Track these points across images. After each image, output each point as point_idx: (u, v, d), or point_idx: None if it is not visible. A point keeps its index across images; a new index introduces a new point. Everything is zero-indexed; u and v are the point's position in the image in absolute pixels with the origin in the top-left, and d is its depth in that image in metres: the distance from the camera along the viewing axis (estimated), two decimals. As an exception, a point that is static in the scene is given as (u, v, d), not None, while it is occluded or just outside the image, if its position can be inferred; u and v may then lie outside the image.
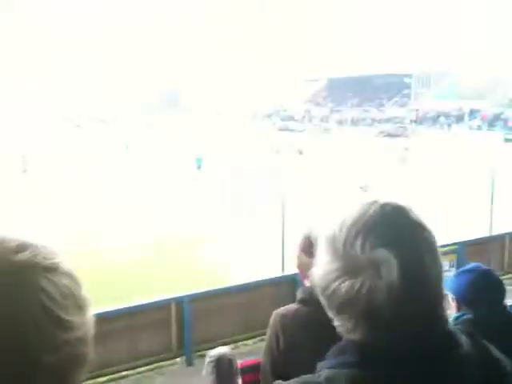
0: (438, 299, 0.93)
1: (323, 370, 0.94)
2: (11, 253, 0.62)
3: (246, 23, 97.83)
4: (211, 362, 3.61)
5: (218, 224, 14.70)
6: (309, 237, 2.23)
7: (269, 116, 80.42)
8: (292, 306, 2.33)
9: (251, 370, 3.88)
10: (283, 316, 2.30)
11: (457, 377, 0.91)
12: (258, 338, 7.07)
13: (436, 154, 26.14)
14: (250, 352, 5.79)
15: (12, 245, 0.63)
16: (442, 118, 56.07)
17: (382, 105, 70.40)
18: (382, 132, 58.24)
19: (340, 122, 66.92)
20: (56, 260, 0.66)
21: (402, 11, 76.13)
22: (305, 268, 2.19)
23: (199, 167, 26.48)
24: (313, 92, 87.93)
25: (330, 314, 0.95)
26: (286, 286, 7.36)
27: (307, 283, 2.25)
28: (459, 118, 56.50)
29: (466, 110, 57.32)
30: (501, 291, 2.48)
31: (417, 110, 63.03)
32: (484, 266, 2.60)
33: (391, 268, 0.87)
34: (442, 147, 34.57)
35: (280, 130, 68.72)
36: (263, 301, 7.29)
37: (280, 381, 0.97)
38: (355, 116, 67.51)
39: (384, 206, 0.95)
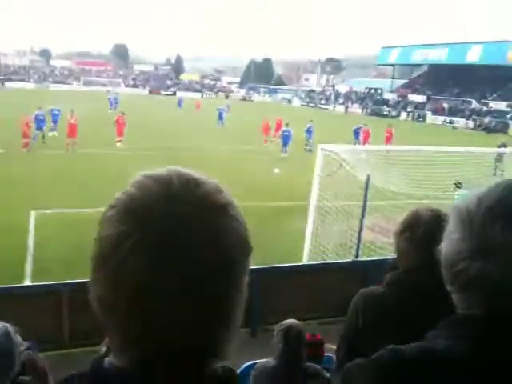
0: None
1: (438, 339, 0.95)
2: (213, 194, 0.76)
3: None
4: (281, 331, 3.72)
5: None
6: (408, 223, 2.19)
7: (362, 99, 78.88)
8: (378, 288, 2.31)
9: (312, 346, 3.97)
10: (367, 296, 2.30)
11: None
12: (324, 320, 7.11)
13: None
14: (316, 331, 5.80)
15: (215, 188, 0.77)
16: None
17: (484, 97, 66.72)
18: (479, 125, 55.46)
19: (435, 111, 64.39)
20: (233, 200, 0.79)
21: None
22: (401, 253, 2.21)
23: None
24: (411, 78, 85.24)
25: (450, 288, 0.97)
26: (357, 271, 7.31)
27: (400, 268, 2.23)
28: None
29: None
30: None
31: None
32: None
33: None
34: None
35: (370, 114, 67.51)
36: (333, 284, 7.30)
37: (393, 348, 0.98)
38: (452, 106, 64.60)
39: None
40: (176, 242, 0.69)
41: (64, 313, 6.09)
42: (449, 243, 0.96)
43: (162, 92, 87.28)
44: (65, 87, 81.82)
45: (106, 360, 0.77)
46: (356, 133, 28.49)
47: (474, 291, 0.92)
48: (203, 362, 0.74)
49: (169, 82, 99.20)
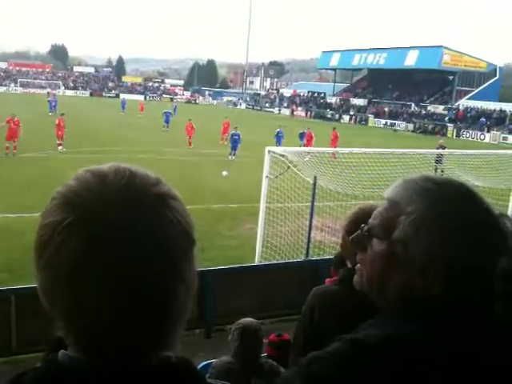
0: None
1: (394, 323, 0.97)
2: (152, 185, 0.77)
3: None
4: (237, 328, 3.73)
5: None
6: (355, 218, 2.22)
7: (306, 103, 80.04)
8: (331, 286, 2.38)
9: (278, 347, 4.03)
10: (322, 294, 2.36)
11: None
12: (276, 319, 7.20)
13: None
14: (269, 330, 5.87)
15: (151, 179, 0.78)
16: (482, 119, 54.83)
17: (422, 100, 69.20)
18: (419, 128, 57.46)
19: (377, 114, 66.20)
20: (176, 192, 0.80)
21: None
22: (348, 249, 2.22)
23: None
24: (353, 82, 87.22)
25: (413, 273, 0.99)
26: (309, 270, 7.45)
27: (349, 264, 2.28)
28: (500, 121, 55.22)
29: (508, 112, 56.08)
30: None
31: (457, 108, 61.86)
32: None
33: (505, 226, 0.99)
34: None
35: (315, 117, 68.64)
36: (284, 283, 7.41)
37: (353, 336, 0.98)
38: (393, 109, 66.62)
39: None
40: (112, 231, 0.71)
41: (12, 319, 5.90)
42: (421, 238, 0.99)
43: (104, 94, 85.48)
44: (0, 89, 78.69)
45: (60, 352, 0.77)
46: (301, 136, 29.19)
47: (440, 276, 0.97)
48: (146, 351, 0.75)
49: (110, 84, 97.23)
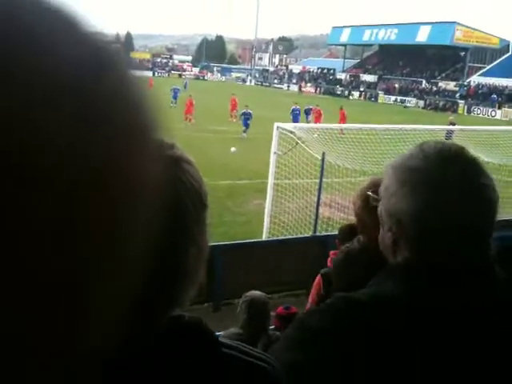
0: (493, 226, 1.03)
1: (384, 285, 1.02)
2: (166, 148, 0.77)
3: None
4: (245, 301, 3.78)
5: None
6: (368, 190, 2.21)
7: (315, 79, 79.35)
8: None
9: (286, 319, 4.07)
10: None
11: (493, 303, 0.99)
12: (284, 293, 7.27)
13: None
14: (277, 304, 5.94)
15: (166, 142, 0.77)
16: (493, 96, 54.17)
17: (433, 77, 68.36)
18: (430, 105, 56.91)
19: (387, 91, 65.57)
20: (190, 157, 0.82)
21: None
22: (362, 223, 2.23)
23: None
24: (363, 58, 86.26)
25: (400, 239, 1.03)
26: (317, 245, 7.48)
27: (362, 238, 2.28)
28: (511, 97, 54.51)
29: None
30: None
31: (468, 84, 61.10)
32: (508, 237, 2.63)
33: (483, 194, 0.98)
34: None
35: (324, 93, 68.13)
36: (292, 259, 7.46)
37: (346, 294, 1.05)
38: (403, 85, 65.93)
39: (453, 145, 1.08)
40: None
41: None
42: (401, 197, 1.01)
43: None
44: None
45: None
46: (306, 113, 29.03)
47: (428, 241, 0.99)
48: (158, 308, 0.76)
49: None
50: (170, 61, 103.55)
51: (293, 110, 27.90)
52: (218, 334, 4.01)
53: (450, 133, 13.86)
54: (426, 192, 0.98)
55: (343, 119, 27.27)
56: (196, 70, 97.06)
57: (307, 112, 29.05)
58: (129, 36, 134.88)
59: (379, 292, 1.00)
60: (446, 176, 0.98)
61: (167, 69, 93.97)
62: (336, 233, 8.24)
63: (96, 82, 0.31)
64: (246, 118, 24.65)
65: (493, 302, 0.99)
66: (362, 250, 2.23)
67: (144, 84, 0.39)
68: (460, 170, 0.99)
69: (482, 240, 1.00)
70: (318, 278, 4.06)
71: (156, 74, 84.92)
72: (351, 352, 0.93)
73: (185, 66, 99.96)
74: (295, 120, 25.68)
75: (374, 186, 2.22)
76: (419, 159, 1.00)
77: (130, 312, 0.66)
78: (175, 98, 35.81)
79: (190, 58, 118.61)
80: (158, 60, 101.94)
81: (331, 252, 4.32)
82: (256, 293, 4.03)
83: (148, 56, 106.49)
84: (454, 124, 20.26)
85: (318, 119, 27.43)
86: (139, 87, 0.38)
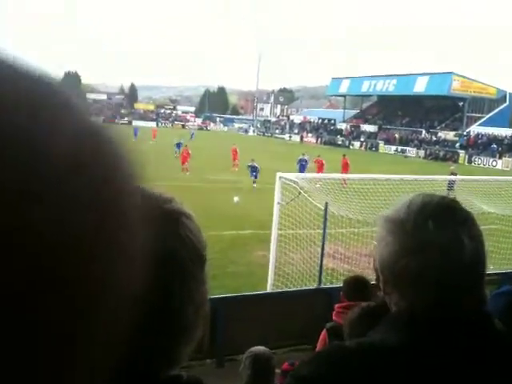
0: (484, 280, 1.04)
1: (376, 334, 1.04)
2: (165, 202, 0.76)
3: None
4: (249, 357, 3.70)
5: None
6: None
7: (316, 129, 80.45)
8: None
9: (284, 375, 3.96)
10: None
11: (494, 351, 1.00)
12: (289, 348, 7.12)
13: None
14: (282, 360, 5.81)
15: (164, 196, 0.77)
16: (493, 146, 54.72)
17: (432, 127, 69.28)
18: (430, 155, 57.42)
19: (387, 141, 66.31)
20: (190, 211, 0.80)
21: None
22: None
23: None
24: (363, 108, 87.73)
25: (389, 290, 1.06)
26: (322, 298, 7.38)
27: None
28: (511, 147, 55.05)
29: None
30: None
31: (468, 134, 61.83)
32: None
33: (463, 248, 0.98)
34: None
35: (325, 143, 68.93)
36: (297, 312, 7.34)
37: (338, 342, 1.09)
38: (403, 135, 66.73)
39: (444, 198, 1.09)
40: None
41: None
42: (385, 247, 1.04)
43: (117, 121, 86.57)
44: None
45: None
46: (301, 164, 27.84)
47: (413, 288, 1.01)
48: (154, 368, 0.74)
49: (123, 111, 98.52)
50: (174, 112, 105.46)
51: (299, 161, 27.86)
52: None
53: (451, 183, 13.92)
54: (404, 241, 1.01)
55: (346, 167, 27.47)
56: (199, 121, 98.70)
57: (301, 164, 27.89)
58: (133, 87, 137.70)
59: (369, 341, 1.02)
60: (426, 227, 1.00)
61: (171, 119, 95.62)
62: (340, 285, 8.16)
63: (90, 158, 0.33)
64: (253, 170, 24.67)
65: (488, 353, 0.98)
66: (377, 306, 2.21)
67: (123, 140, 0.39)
68: (441, 224, 1.01)
69: (467, 294, 1.01)
70: (324, 332, 3.99)
71: (160, 124, 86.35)
72: None
73: (188, 117, 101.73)
74: (301, 170, 25.66)
75: None
76: (403, 211, 1.04)
77: (119, 370, 0.64)
78: (179, 147, 36.08)
79: (193, 108, 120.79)
80: (162, 111, 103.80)
81: (336, 305, 4.26)
82: (260, 348, 3.95)
83: (152, 107, 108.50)
84: (455, 174, 20.39)
85: (320, 169, 27.59)
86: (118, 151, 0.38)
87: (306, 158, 28.17)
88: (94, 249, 0.31)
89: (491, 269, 8.48)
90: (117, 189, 0.36)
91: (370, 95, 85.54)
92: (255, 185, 23.62)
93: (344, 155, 28.29)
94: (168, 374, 0.76)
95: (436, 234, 0.99)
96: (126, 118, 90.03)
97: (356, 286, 4.12)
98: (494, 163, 51.41)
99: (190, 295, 0.75)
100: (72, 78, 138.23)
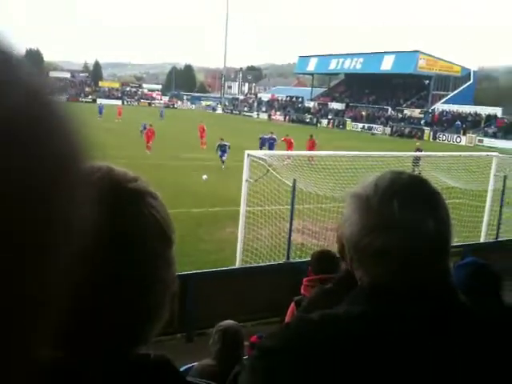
0: (448, 256, 1.06)
1: (341, 307, 1.06)
2: (129, 181, 0.76)
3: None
4: (218, 331, 3.73)
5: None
6: None
7: (284, 107, 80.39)
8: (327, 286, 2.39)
9: (253, 347, 4.01)
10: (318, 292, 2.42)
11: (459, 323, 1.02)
12: (258, 321, 7.21)
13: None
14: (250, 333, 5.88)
15: (129, 175, 0.77)
16: (457, 123, 55.77)
17: (398, 104, 70.05)
18: (396, 132, 58.16)
19: (354, 118, 66.83)
20: (156, 191, 0.79)
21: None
22: (343, 250, 2.25)
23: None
24: (330, 86, 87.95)
25: (356, 265, 1.08)
26: (290, 272, 7.46)
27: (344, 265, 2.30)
28: (475, 123, 56.21)
29: (483, 115, 57.21)
30: (498, 283, 2.59)
31: (433, 111, 62.79)
32: (481, 260, 2.70)
33: (427, 227, 1.00)
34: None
35: (293, 121, 69.01)
36: (265, 286, 7.42)
37: (302, 314, 1.08)
38: (370, 113, 67.33)
39: (412, 176, 1.10)
40: None
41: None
42: (350, 224, 1.05)
43: (81, 99, 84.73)
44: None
45: None
46: (262, 141, 27.65)
47: (378, 264, 1.02)
48: (122, 347, 0.74)
49: (87, 89, 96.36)
50: (140, 90, 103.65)
51: (266, 139, 27.36)
52: (190, 365, 3.94)
53: (417, 159, 14.16)
54: (369, 219, 1.02)
55: (312, 148, 27.48)
56: (165, 99, 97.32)
57: (263, 141, 27.73)
58: (97, 65, 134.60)
59: (332, 313, 1.04)
60: (391, 206, 1.01)
61: (136, 97, 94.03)
62: (308, 259, 8.26)
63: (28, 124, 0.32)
64: (223, 150, 23.68)
65: (451, 324, 1.01)
66: (336, 286, 2.23)
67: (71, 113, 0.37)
68: (406, 203, 1.02)
69: (430, 269, 1.02)
70: (292, 305, 4.05)
71: (125, 102, 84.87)
72: (307, 370, 0.95)
73: (154, 95, 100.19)
74: (270, 149, 25.28)
75: None
76: (369, 189, 1.05)
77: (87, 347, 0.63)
78: (145, 128, 35.56)
79: (159, 86, 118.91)
80: (128, 89, 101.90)
81: (304, 279, 4.32)
82: (229, 322, 3.99)
83: (117, 85, 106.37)
84: (420, 150, 20.76)
85: (289, 148, 27.59)
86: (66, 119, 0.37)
87: (274, 136, 27.90)
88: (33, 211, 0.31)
89: (455, 241, 8.71)
90: (61, 155, 0.35)
91: (337, 73, 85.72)
92: (223, 166, 22.94)
93: (311, 135, 28.27)
94: (135, 353, 0.75)
95: (400, 212, 1.00)
96: (90, 97, 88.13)
97: (323, 260, 4.17)
98: (458, 139, 52.46)
99: (156, 273, 0.74)
100: (33, 56, 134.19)
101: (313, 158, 12.59)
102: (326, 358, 0.95)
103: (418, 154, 16.32)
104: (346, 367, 0.94)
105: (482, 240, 11.58)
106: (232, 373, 3.54)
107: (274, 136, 27.87)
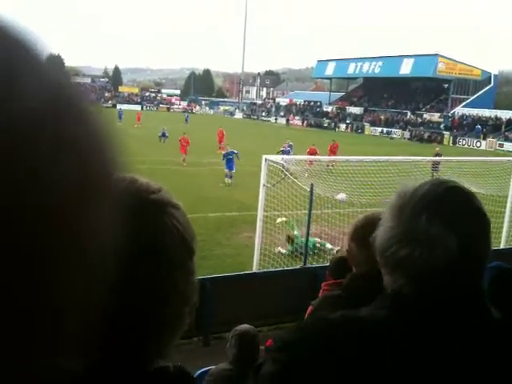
0: (477, 271, 1.06)
1: (363, 310, 1.07)
2: (152, 192, 0.76)
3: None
4: (235, 335, 3.74)
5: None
6: (362, 228, 2.17)
7: (302, 112, 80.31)
8: (334, 292, 2.41)
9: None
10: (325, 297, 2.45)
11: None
12: (274, 326, 7.20)
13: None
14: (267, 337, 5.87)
15: (152, 186, 0.77)
16: (478, 127, 55.08)
17: (417, 108, 69.50)
18: (415, 136, 57.65)
19: (373, 123, 66.43)
20: (178, 201, 0.80)
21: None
22: (353, 258, 2.25)
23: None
24: (348, 91, 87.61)
25: (382, 271, 1.10)
26: (307, 277, 7.45)
27: (354, 270, 2.29)
28: (496, 128, 55.46)
29: (504, 119, 56.43)
30: None
31: (453, 116, 62.13)
32: (505, 265, 2.66)
33: (448, 245, 1.01)
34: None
35: (311, 126, 68.89)
36: (282, 291, 7.41)
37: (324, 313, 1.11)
38: (389, 117, 66.88)
39: (450, 188, 1.09)
40: None
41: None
42: (382, 230, 1.08)
43: (101, 104, 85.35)
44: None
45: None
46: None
47: (401, 274, 1.04)
48: (140, 360, 0.73)
49: (107, 95, 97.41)
50: (159, 95, 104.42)
51: (288, 147, 25.59)
52: (206, 369, 3.95)
53: (436, 164, 14.03)
54: (398, 228, 1.05)
55: (334, 152, 27.17)
56: (184, 104, 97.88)
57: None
58: (117, 70, 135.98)
59: (354, 314, 1.05)
60: (419, 219, 1.03)
61: (155, 103, 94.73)
62: (325, 264, 8.22)
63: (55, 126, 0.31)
64: (229, 159, 20.44)
65: (476, 330, 1.02)
66: (346, 288, 2.23)
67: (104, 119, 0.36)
68: (434, 218, 1.02)
69: (469, 273, 1.04)
70: (310, 308, 4.04)
71: (144, 107, 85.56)
72: (325, 365, 0.97)
73: (173, 100, 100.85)
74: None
75: (367, 221, 2.25)
76: (405, 198, 1.07)
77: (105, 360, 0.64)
78: (164, 136, 35.52)
79: (178, 91, 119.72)
80: (147, 94, 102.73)
81: (323, 283, 4.32)
82: (245, 326, 3.99)
83: (136, 90, 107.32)
84: (440, 155, 20.52)
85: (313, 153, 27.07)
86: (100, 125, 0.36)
87: (290, 143, 26.28)
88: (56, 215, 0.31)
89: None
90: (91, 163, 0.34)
91: (356, 77, 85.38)
92: (229, 180, 19.80)
93: (334, 140, 28.04)
94: (155, 366, 0.75)
95: (426, 226, 1.01)
96: (110, 102, 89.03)
97: (341, 265, 4.17)
98: (478, 144, 51.79)
99: (175, 285, 0.74)
100: (55, 61, 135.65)
101: (333, 165, 12.56)
102: (345, 356, 0.97)
103: (437, 158, 16.17)
104: (363, 367, 0.96)
105: (501, 246, 11.42)
106: (255, 364, 3.55)
107: (291, 143, 27.03)
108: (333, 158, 16.16)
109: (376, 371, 0.96)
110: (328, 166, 12.96)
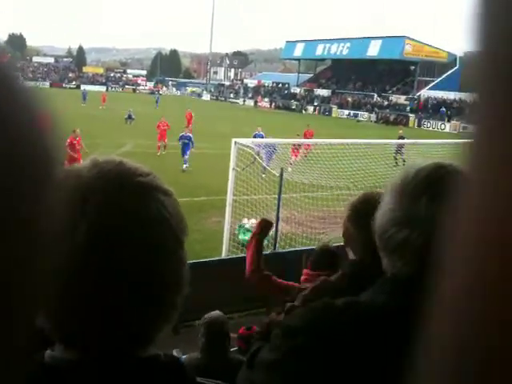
0: None
1: (364, 295, 1.08)
2: (139, 175, 0.75)
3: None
4: (204, 323, 3.73)
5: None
6: (357, 207, 2.07)
7: (270, 93, 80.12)
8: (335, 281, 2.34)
9: (241, 339, 4.03)
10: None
11: None
12: (245, 313, 7.23)
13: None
14: (238, 324, 5.89)
15: (141, 170, 0.76)
16: (442, 109, 56.00)
17: (384, 91, 70.14)
18: (381, 119, 58.28)
19: (340, 105, 66.82)
20: (169, 188, 0.78)
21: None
22: (350, 238, 2.12)
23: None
24: (316, 72, 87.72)
25: (381, 254, 1.10)
26: (277, 262, 7.48)
27: (351, 255, 2.13)
28: (460, 110, 56.50)
29: (468, 102, 57.39)
30: None
31: (418, 98, 62.94)
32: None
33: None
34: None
35: (279, 108, 68.86)
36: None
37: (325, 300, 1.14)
38: (356, 99, 67.36)
39: (452, 170, 1.06)
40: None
41: None
42: (382, 212, 1.08)
43: (65, 85, 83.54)
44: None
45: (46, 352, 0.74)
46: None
47: (399, 257, 1.05)
48: (132, 347, 0.73)
49: (71, 75, 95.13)
50: (124, 75, 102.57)
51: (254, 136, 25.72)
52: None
53: (400, 147, 14.24)
54: (397, 211, 1.05)
55: (311, 137, 26.63)
56: (150, 85, 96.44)
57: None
58: (81, 50, 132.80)
59: (356, 300, 1.07)
60: (419, 202, 1.03)
61: (121, 83, 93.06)
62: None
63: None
64: (185, 143, 19.72)
65: None
66: (342, 276, 2.17)
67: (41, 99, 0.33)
68: (434, 201, 1.02)
69: None
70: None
71: (110, 88, 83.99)
72: (328, 351, 0.98)
73: (139, 81, 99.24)
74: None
75: (365, 200, 2.20)
76: (407, 180, 1.07)
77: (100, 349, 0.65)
78: (130, 118, 34.97)
79: (144, 72, 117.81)
80: (112, 74, 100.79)
81: (305, 270, 4.32)
82: (214, 314, 4.00)
83: (101, 70, 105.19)
84: (402, 138, 20.82)
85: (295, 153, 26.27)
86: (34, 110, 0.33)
87: (261, 133, 26.07)
88: None
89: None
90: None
91: (324, 59, 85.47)
92: (185, 165, 19.17)
93: (308, 125, 27.64)
94: (146, 354, 0.75)
95: (426, 209, 1.01)
96: (74, 82, 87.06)
97: (324, 256, 4.17)
98: (443, 126, 52.73)
99: (164, 271, 0.74)
100: (17, 40, 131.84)
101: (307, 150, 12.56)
102: (348, 342, 0.98)
103: (401, 141, 16.40)
104: (366, 352, 0.97)
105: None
106: (250, 351, 3.54)
107: (262, 133, 25.88)
108: (299, 140, 16.20)
109: (377, 357, 0.97)
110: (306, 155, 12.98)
